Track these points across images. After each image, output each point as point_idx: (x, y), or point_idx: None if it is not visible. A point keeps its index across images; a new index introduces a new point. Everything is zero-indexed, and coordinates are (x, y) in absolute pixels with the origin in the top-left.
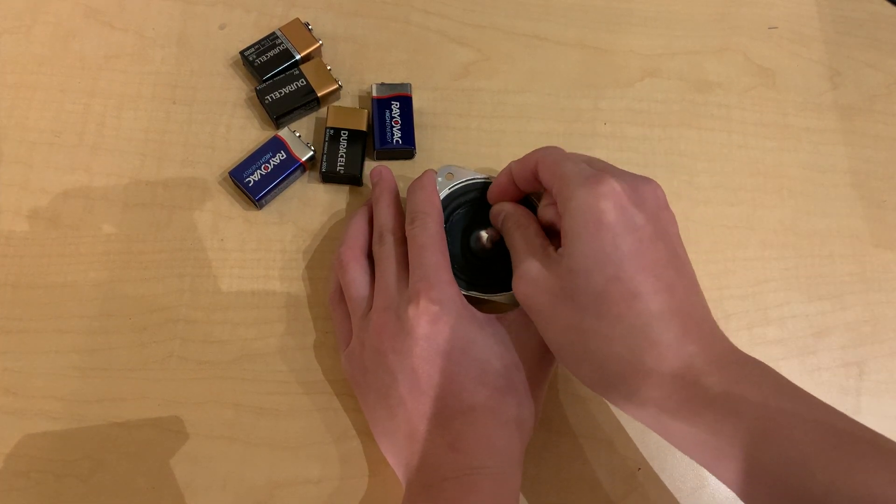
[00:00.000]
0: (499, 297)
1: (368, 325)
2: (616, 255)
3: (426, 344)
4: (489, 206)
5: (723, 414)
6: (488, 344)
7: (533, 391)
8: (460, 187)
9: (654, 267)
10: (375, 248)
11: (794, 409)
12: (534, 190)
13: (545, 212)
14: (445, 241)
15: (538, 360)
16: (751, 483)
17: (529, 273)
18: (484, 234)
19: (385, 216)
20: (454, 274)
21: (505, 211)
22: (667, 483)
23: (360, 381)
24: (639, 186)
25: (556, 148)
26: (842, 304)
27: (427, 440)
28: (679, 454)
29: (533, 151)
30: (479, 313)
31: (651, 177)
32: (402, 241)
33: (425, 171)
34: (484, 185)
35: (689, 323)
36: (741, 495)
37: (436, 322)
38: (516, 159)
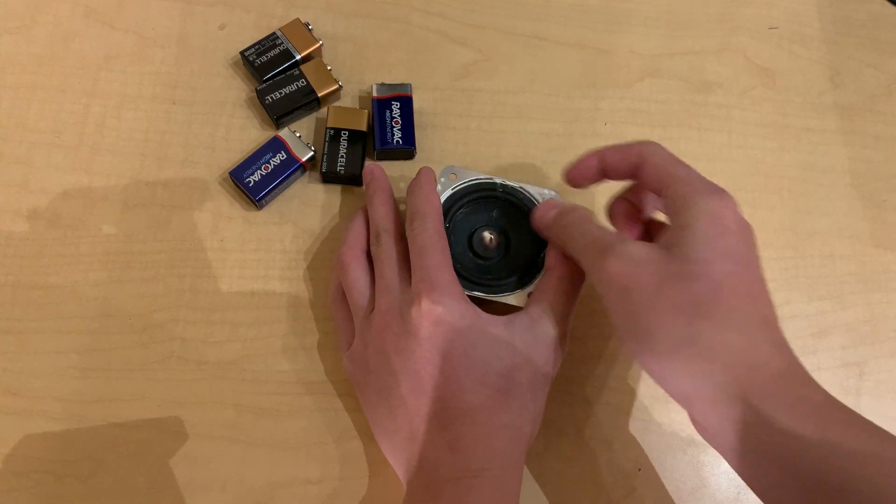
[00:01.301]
0: (503, 298)
1: (371, 326)
2: (738, 255)
3: (429, 345)
4: (492, 206)
5: (833, 420)
6: (491, 345)
7: (536, 394)
8: (463, 187)
9: (759, 279)
10: (373, 249)
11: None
12: (621, 179)
13: (620, 204)
14: (446, 241)
15: (543, 362)
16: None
17: (633, 252)
18: (487, 235)
19: (380, 215)
20: (457, 274)
21: (566, 207)
22: (667, 483)
23: (362, 381)
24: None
25: (662, 146)
26: (842, 304)
27: (427, 441)
28: (679, 454)
29: (634, 144)
30: (482, 314)
31: None
32: (400, 240)
33: (422, 169)
34: (487, 185)
35: (779, 329)
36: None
37: (438, 323)
38: (610, 145)
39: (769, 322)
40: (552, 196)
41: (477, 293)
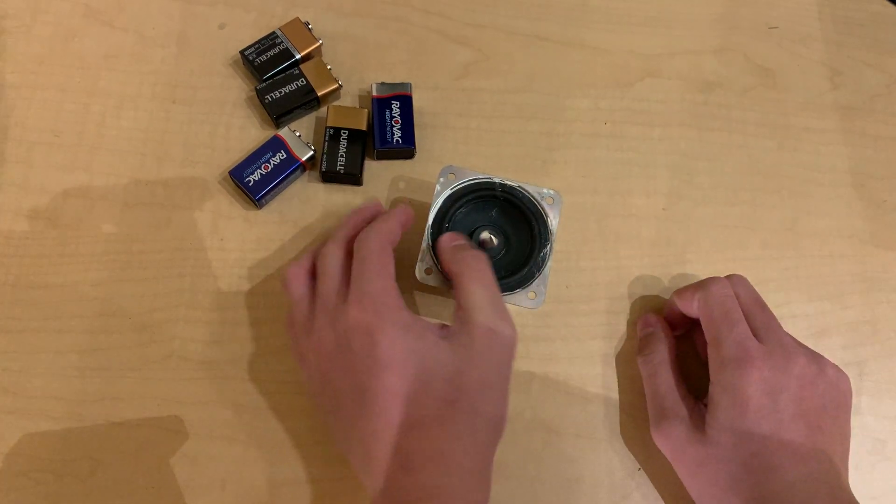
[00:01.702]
0: (507, 298)
1: (311, 344)
2: (758, 434)
3: (365, 358)
4: (491, 206)
5: None
6: (432, 353)
7: (488, 396)
8: (462, 187)
9: (791, 444)
10: (317, 261)
11: None
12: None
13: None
14: (390, 254)
15: (496, 363)
16: None
17: (677, 431)
18: (487, 234)
19: (339, 226)
20: None
21: (653, 340)
22: (667, 483)
23: (318, 402)
24: (790, 368)
25: (720, 292)
26: (842, 304)
27: (381, 461)
28: None
29: (694, 287)
30: (421, 320)
31: (651, 177)
32: (348, 255)
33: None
34: (486, 185)
35: (823, 488)
36: None
37: (370, 334)
38: (665, 310)
39: (800, 482)
40: (551, 195)
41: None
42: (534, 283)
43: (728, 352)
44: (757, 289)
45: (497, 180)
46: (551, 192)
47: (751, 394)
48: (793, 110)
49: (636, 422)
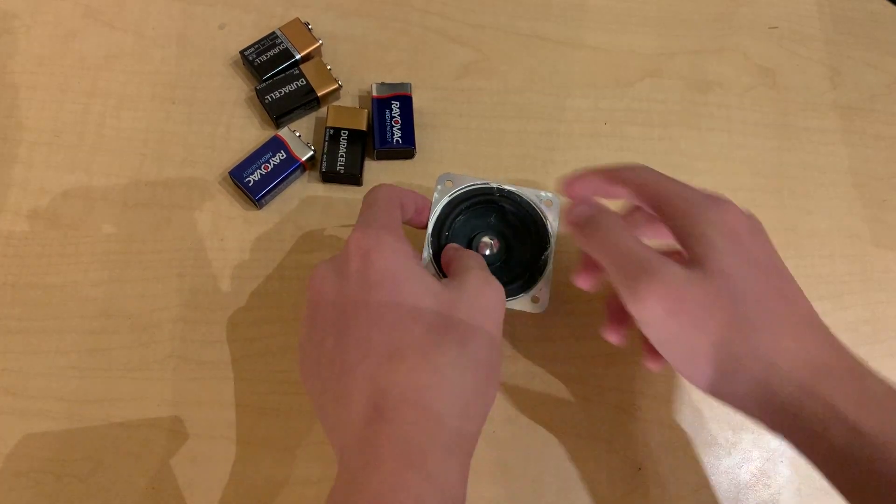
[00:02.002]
0: (508, 304)
1: (311, 295)
2: (764, 263)
3: (358, 277)
4: (491, 211)
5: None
6: (426, 279)
7: (482, 336)
8: (460, 194)
9: (791, 278)
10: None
11: None
12: (612, 195)
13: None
14: (398, 208)
15: (488, 309)
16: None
17: (677, 275)
18: (487, 240)
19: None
20: None
21: (605, 213)
22: (667, 483)
23: (304, 357)
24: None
25: (648, 168)
26: (842, 304)
27: (353, 402)
28: (679, 454)
29: (622, 169)
30: (420, 255)
31: None
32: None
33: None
34: (484, 190)
35: (823, 325)
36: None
37: (368, 255)
38: (601, 167)
39: (812, 319)
40: (549, 198)
41: None
42: (536, 286)
43: (698, 197)
44: None
45: (495, 185)
46: (549, 194)
47: (740, 231)
48: (793, 110)
49: (636, 422)
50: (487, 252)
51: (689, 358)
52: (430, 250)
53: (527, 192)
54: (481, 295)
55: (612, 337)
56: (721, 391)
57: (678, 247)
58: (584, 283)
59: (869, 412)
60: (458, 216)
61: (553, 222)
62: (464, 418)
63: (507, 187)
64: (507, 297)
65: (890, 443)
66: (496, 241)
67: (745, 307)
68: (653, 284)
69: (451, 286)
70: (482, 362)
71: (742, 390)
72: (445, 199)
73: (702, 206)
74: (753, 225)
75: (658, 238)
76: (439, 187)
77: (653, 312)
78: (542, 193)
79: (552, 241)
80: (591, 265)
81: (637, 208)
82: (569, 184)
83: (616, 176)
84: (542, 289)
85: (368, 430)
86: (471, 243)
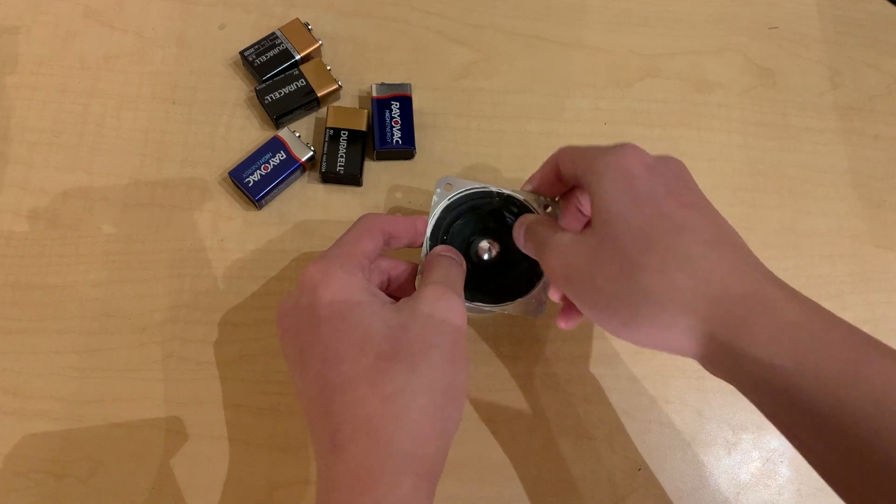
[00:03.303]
0: (506, 308)
1: (276, 319)
2: (652, 194)
3: (307, 313)
4: (489, 215)
5: (807, 340)
6: (374, 308)
7: (436, 354)
8: (459, 198)
9: (694, 205)
10: None
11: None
12: (559, 193)
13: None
14: (374, 234)
15: (443, 324)
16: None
17: (562, 241)
18: (485, 244)
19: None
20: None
21: (525, 221)
22: (667, 483)
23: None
24: (658, 156)
25: (568, 146)
26: (842, 304)
27: (315, 433)
28: (679, 454)
29: (548, 160)
30: (375, 289)
31: None
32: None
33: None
34: (482, 194)
35: (742, 251)
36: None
37: (316, 289)
38: (534, 172)
39: (719, 245)
40: (551, 204)
41: (480, 304)
42: (535, 290)
43: (600, 150)
44: None
45: (493, 189)
46: (548, 199)
47: (632, 163)
48: (793, 110)
49: (636, 422)
50: (486, 256)
51: (593, 309)
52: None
53: (527, 196)
54: (434, 312)
55: (561, 322)
56: (634, 338)
57: None
58: (555, 295)
59: (779, 346)
60: (456, 220)
61: None
62: (417, 442)
63: (506, 191)
64: (506, 301)
65: (802, 373)
66: (494, 245)
67: (627, 247)
68: (548, 253)
69: (404, 308)
70: (436, 383)
71: (650, 333)
72: (444, 203)
73: (598, 157)
74: (657, 162)
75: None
76: (438, 190)
77: (555, 276)
78: (542, 198)
79: None
80: (568, 306)
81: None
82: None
83: (550, 167)
84: (541, 293)
85: (328, 460)
86: (468, 247)
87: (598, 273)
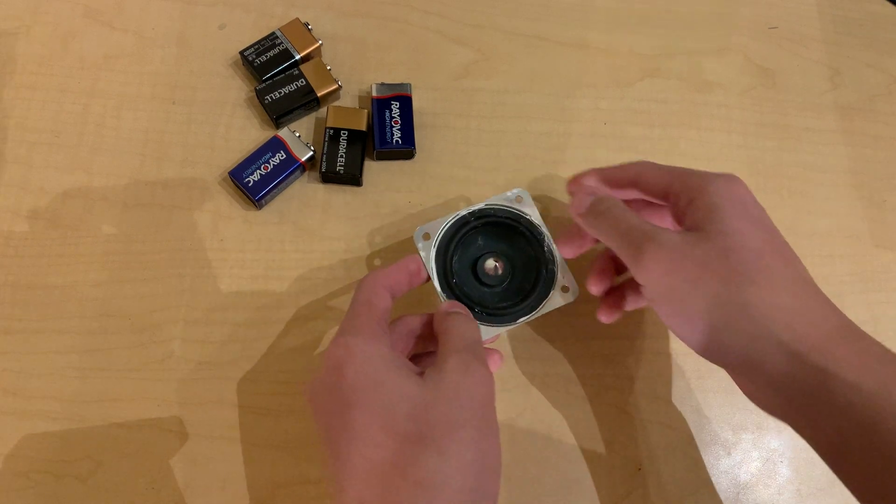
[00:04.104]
0: (543, 310)
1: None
2: (765, 224)
3: (334, 394)
4: (474, 236)
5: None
6: (398, 385)
7: (465, 434)
8: (442, 238)
9: (788, 245)
10: None
11: None
12: (620, 189)
13: (599, 261)
14: (382, 297)
15: (471, 400)
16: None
17: (673, 238)
18: (491, 262)
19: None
20: (482, 312)
21: (605, 205)
22: (667, 483)
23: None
24: None
25: (655, 162)
26: (842, 304)
27: None
28: (679, 454)
29: (628, 165)
30: (399, 357)
31: None
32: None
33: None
34: (459, 221)
35: (823, 293)
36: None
37: (340, 369)
38: (604, 167)
39: (809, 281)
40: (518, 194)
41: (521, 320)
42: (558, 277)
43: (706, 173)
44: None
45: (465, 212)
46: (516, 191)
47: (746, 193)
48: (793, 110)
49: (636, 422)
50: (494, 273)
51: (682, 313)
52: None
53: (497, 200)
54: (461, 389)
55: (603, 287)
56: (711, 348)
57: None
58: (596, 288)
59: (868, 371)
60: (452, 259)
61: (533, 215)
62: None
63: (476, 207)
64: (541, 303)
65: (890, 401)
66: (497, 258)
67: (741, 262)
68: (652, 248)
69: (429, 383)
70: (468, 462)
71: (733, 346)
72: (433, 252)
73: (712, 179)
74: (756, 199)
75: (600, 289)
76: (420, 244)
77: (653, 273)
78: (509, 193)
79: (544, 230)
80: (601, 271)
81: (632, 201)
82: (573, 181)
83: (619, 170)
84: (565, 276)
85: None
86: (476, 273)
87: (708, 278)
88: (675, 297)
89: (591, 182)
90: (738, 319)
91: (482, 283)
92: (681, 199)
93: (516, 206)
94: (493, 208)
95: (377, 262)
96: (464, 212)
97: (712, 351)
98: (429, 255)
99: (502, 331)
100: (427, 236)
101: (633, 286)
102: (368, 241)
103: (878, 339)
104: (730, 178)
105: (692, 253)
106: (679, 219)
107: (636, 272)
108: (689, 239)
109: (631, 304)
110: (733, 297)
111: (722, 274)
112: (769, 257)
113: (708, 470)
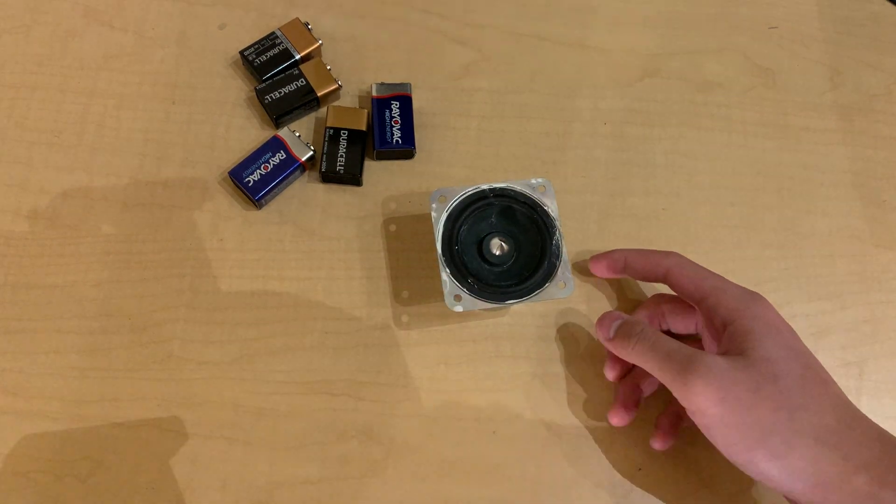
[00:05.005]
0: (539, 297)
1: None
2: (801, 351)
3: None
4: (489, 213)
5: None
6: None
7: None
8: (457, 205)
9: (821, 365)
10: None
11: None
12: (644, 280)
13: (674, 321)
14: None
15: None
16: None
17: (721, 365)
18: (497, 241)
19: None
20: (482, 289)
21: (634, 322)
22: (667, 483)
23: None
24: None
25: (684, 257)
26: (842, 304)
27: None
28: (679, 454)
29: (658, 255)
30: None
31: (651, 177)
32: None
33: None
34: (477, 195)
35: (856, 408)
36: None
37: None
38: (636, 250)
39: (845, 400)
40: (542, 183)
41: (510, 301)
42: (559, 272)
43: (737, 291)
44: (757, 289)
45: (486, 186)
46: (540, 180)
47: (779, 319)
48: (793, 110)
49: (636, 422)
50: (498, 252)
51: (740, 441)
52: (448, 270)
53: (519, 185)
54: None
55: (616, 419)
56: (770, 473)
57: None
58: (618, 420)
59: None
60: (461, 228)
61: (551, 207)
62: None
63: (498, 185)
64: (534, 292)
65: None
66: (504, 239)
67: (788, 388)
68: (702, 374)
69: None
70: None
71: (793, 468)
72: (444, 215)
73: (743, 301)
74: (786, 322)
75: (682, 328)
76: (434, 205)
77: (705, 400)
78: (533, 181)
79: (557, 224)
80: (626, 405)
81: (660, 298)
82: (597, 261)
83: (653, 262)
84: (564, 272)
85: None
86: (480, 248)
87: (761, 404)
88: (732, 422)
89: (618, 264)
90: (794, 445)
91: (483, 259)
92: (714, 318)
93: (537, 194)
94: (513, 190)
95: (377, 261)
96: (484, 186)
97: (770, 476)
98: (439, 217)
99: (488, 306)
100: (443, 199)
101: (675, 412)
102: (368, 241)
103: (878, 339)
104: (762, 303)
105: (742, 379)
106: (713, 334)
107: (684, 396)
108: (737, 365)
109: (673, 430)
110: (787, 423)
111: (775, 399)
112: (811, 382)
113: (708, 470)
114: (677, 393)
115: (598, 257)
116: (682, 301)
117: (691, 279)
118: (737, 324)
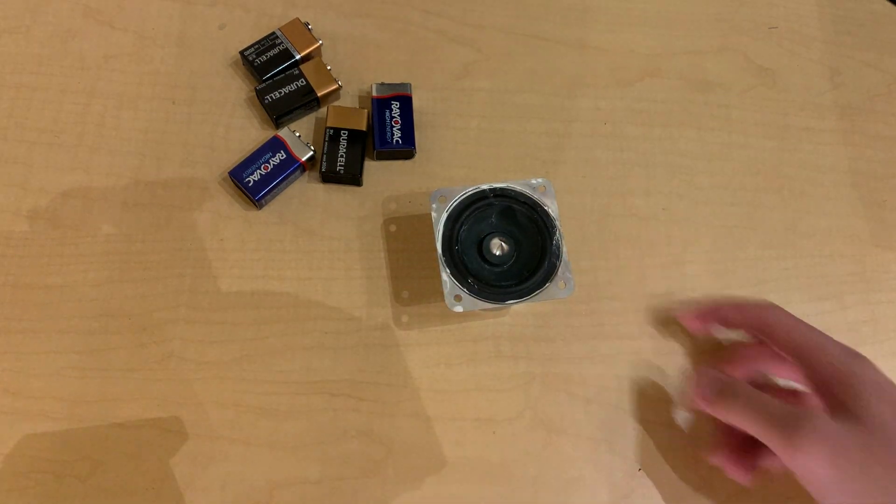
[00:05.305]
0: (536, 298)
1: None
2: None
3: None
4: (489, 213)
5: None
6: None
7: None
8: (457, 205)
9: None
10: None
11: None
12: (738, 329)
13: (783, 371)
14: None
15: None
16: None
17: (832, 427)
18: (496, 241)
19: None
20: (483, 290)
21: (733, 382)
22: (667, 483)
23: None
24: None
25: (781, 309)
26: (842, 304)
27: None
28: (679, 454)
29: (754, 307)
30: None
31: (651, 177)
32: None
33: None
34: (477, 195)
35: None
36: None
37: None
38: (729, 301)
39: None
40: (541, 183)
41: (511, 301)
42: (559, 272)
43: (839, 351)
44: (757, 289)
45: (486, 187)
46: (540, 180)
47: (885, 386)
48: (793, 110)
49: (636, 422)
50: (498, 252)
51: (855, 502)
52: (448, 270)
53: (519, 185)
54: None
55: (739, 476)
56: None
57: (796, 386)
58: (719, 460)
59: None
60: (461, 228)
61: (552, 207)
62: None
63: (498, 185)
64: (535, 292)
65: None
66: (504, 239)
67: None
68: (812, 436)
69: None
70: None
71: None
72: (444, 215)
73: (846, 363)
74: (886, 376)
75: (783, 377)
76: (435, 205)
77: (815, 461)
78: (533, 181)
79: (557, 224)
80: (725, 442)
81: (748, 350)
82: (693, 317)
83: (749, 314)
84: (564, 272)
85: None
86: (480, 248)
87: (875, 465)
88: (846, 485)
89: (715, 318)
90: None
91: (483, 259)
92: (814, 375)
93: (537, 194)
94: (513, 190)
95: (377, 260)
96: (484, 186)
97: None
98: (440, 217)
99: (488, 306)
100: (443, 199)
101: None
102: (369, 241)
103: (878, 339)
104: (864, 363)
105: (855, 440)
106: (813, 389)
107: (790, 458)
108: (848, 426)
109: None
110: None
111: (888, 460)
112: None
113: (708, 470)
114: (783, 454)
115: (688, 313)
116: (777, 354)
117: (790, 335)
118: (843, 386)
